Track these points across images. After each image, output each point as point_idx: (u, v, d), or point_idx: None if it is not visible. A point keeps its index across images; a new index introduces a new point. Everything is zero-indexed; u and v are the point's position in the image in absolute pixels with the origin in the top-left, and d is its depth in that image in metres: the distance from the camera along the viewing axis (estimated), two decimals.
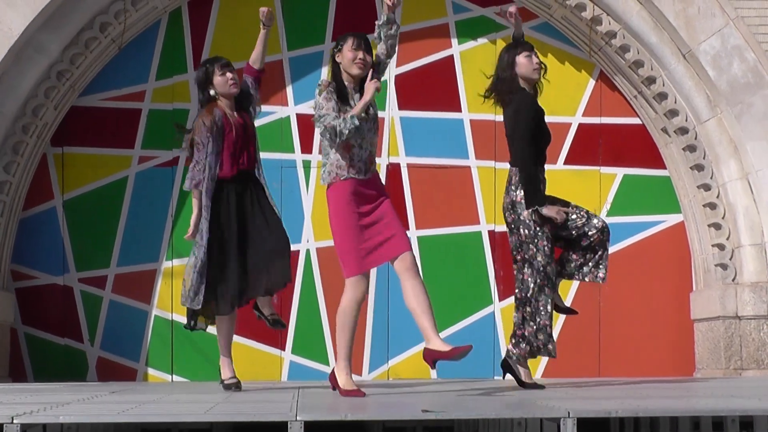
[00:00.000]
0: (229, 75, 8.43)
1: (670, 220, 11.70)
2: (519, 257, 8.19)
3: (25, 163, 10.98)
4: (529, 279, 8.12)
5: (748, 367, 10.87)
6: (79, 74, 11.09)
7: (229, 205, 8.37)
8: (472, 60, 11.59)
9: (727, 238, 11.08)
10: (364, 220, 7.48)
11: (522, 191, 8.12)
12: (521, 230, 8.13)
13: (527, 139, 8.17)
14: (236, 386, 8.56)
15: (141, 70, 11.44)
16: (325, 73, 11.54)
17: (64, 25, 10.83)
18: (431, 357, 7.47)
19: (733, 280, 11.03)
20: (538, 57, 8.34)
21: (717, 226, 11.14)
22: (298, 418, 5.67)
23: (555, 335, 11.25)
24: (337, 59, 7.59)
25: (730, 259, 11.05)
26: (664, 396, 7.17)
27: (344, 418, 5.85)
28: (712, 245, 11.16)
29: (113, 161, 11.40)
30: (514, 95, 8.24)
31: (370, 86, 7.44)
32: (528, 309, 8.13)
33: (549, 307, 8.15)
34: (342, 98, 7.52)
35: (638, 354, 11.49)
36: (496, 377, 11.11)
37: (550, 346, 8.19)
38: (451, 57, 11.65)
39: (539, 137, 8.26)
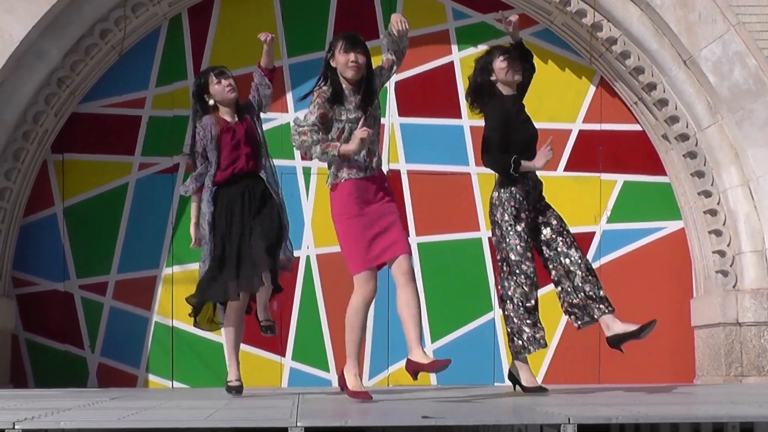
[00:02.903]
0: (224, 82, 8.47)
1: (671, 226, 11.70)
2: (498, 257, 8.37)
3: (26, 170, 10.99)
4: (507, 277, 8.25)
5: (749, 373, 10.86)
6: (80, 81, 11.10)
7: (226, 208, 8.42)
8: (473, 66, 11.58)
9: (728, 245, 11.08)
10: (366, 219, 7.44)
11: (497, 192, 8.30)
12: (495, 230, 8.31)
13: (495, 148, 8.30)
14: (236, 390, 8.56)
15: (141, 76, 11.45)
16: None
17: (64, 31, 10.84)
18: (412, 368, 7.49)
19: (733, 286, 11.02)
20: (507, 56, 8.34)
21: (718, 233, 11.14)
22: (298, 424, 5.67)
23: (555, 341, 11.32)
24: (332, 64, 7.53)
25: (731, 265, 11.05)
26: (665, 402, 7.17)
27: (344, 425, 5.85)
28: (713, 252, 11.16)
29: (113, 168, 11.40)
30: (488, 102, 8.35)
31: (357, 134, 7.33)
32: (509, 306, 8.25)
33: (529, 304, 8.22)
34: (337, 101, 7.47)
35: (638, 360, 11.47)
36: (496, 383, 11.12)
37: (537, 336, 8.25)
38: (452, 63, 11.66)
39: (513, 136, 8.27)
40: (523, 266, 8.20)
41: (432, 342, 11.36)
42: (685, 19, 10.98)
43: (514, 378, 8.44)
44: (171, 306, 11.24)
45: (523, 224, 8.24)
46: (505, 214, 8.22)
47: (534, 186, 8.41)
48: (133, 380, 11.29)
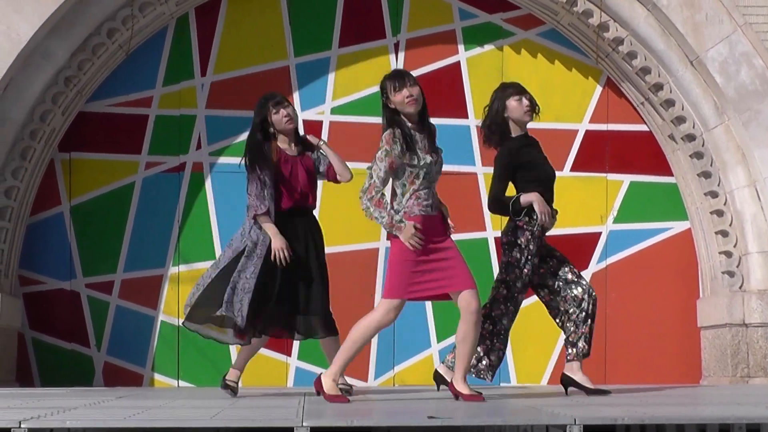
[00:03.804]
0: (283, 112, 8.36)
1: (677, 227, 11.69)
2: (500, 277, 8.28)
3: (33, 169, 11.00)
4: (503, 300, 8.22)
5: (755, 374, 10.85)
6: (87, 80, 11.10)
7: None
8: (479, 66, 11.60)
9: (734, 246, 11.07)
10: (426, 255, 7.45)
11: (528, 217, 8.19)
12: (514, 252, 8.19)
13: (498, 189, 8.32)
14: (233, 390, 8.50)
15: (148, 76, 11.46)
16: (331, 80, 11.56)
17: (71, 31, 10.84)
18: (453, 392, 7.58)
19: (740, 287, 11.02)
20: (529, 97, 8.29)
21: (724, 234, 11.13)
22: (304, 423, 5.67)
23: (561, 341, 11.31)
24: (391, 106, 7.56)
25: (737, 266, 11.04)
26: (671, 403, 7.16)
27: (350, 424, 5.85)
28: (719, 252, 11.15)
29: (120, 167, 11.41)
30: (502, 144, 8.36)
31: (409, 237, 7.40)
32: (491, 327, 8.21)
33: (507, 335, 8.25)
34: (409, 145, 7.51)
35: (644, 361, 11.48)
36: (501, 383, 11.12)
37: (493, 368, 8.22)
38: (458, 63, 11.66)
39: (527, 174, 8.31)
40: (519, 297, 8.24)
41: (438, 342, 11.36)
42: (691, 19, 10.97)
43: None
44: (177, 305, 11.24)
45: (536, 259, 8.25)
46: (531, 243, 8.17)
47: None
48: (139, 379, 11.30)
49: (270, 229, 8.23)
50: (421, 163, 7.51)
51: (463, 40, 11.68)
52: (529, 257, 8.16)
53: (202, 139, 11.45)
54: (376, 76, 11.41)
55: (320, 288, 8.41)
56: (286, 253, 8.25)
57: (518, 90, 8.31)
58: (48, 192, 11.30)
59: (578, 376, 8.39)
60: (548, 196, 8.32)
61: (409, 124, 7.55)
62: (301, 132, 8.73)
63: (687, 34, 10.97)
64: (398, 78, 7.55)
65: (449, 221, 7.67)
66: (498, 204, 8.29)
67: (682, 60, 11.11)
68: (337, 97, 11.56)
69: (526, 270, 8.17)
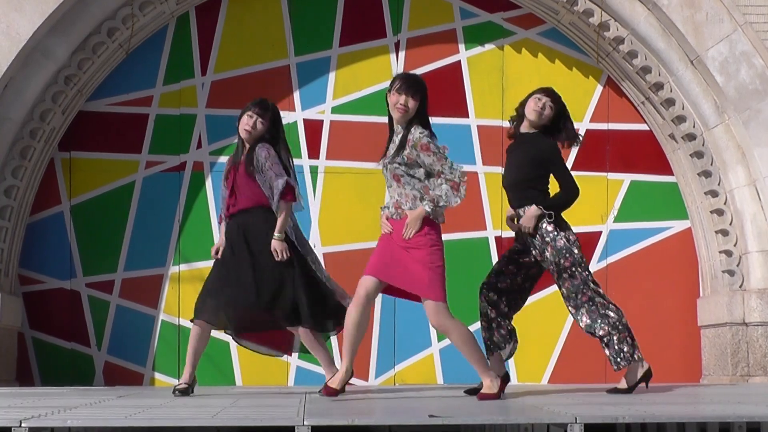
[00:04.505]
0: (245, 119, 8.36)
1: (678, 226, 11.69)
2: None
3: (33, 168, 10.99)
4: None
5: (755, 373, 10.85)
6: (87, 79, 11.10)
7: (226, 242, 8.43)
8: (480, 65, 11.60)
9: (735, 245, 11.07)
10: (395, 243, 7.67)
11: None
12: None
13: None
14: (182, 392, 8.43)
15: (148, 75, 11.46)
16: (332, 79, 11.56)
17: (71, 29, 10.84)
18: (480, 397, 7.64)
19: (740, 286, 11.02)
20: (547, 100, 8.27)
21: (724, 233, 11.13)
22: (305, 422, 5.68)
23: (562, 341, 11.32)
24: (388, 100, 7.66)
25: (738, 265, 11.04)
26: (671, 402, 7.17)
27: (351, 423, 5.85)
28: (720, 252, 11.15)
29: (120, 166, 11.41)
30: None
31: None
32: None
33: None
34: (388, 144, 7.65)
35: (645, 359, 11.46)
36: None
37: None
38: (459, 63, 11.66)
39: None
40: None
41: (439, 341, 11.36)
42: (692, 18, 10.97)
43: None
44: (177, 304, 11.25)
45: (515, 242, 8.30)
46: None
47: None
48: (140, 378, 11.30)
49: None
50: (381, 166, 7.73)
51: (463, 40, 11.68)
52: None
53: (203, 139, 11.45)
54: (377, 76, 11.49)
55: (263, 283, 8.33)
56: (215, 256, 8.43)
57: (544, 90, 8.33)
58: (48, 191, 11.30)
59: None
60: (510, 200, 8.36)
61: (395, 126, 7.66)
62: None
63: (687, 34, 10.97)
64: (403, 83, 7.59)
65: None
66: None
67: (683, 59, 11.11)
68: (337, 96, 11.56)
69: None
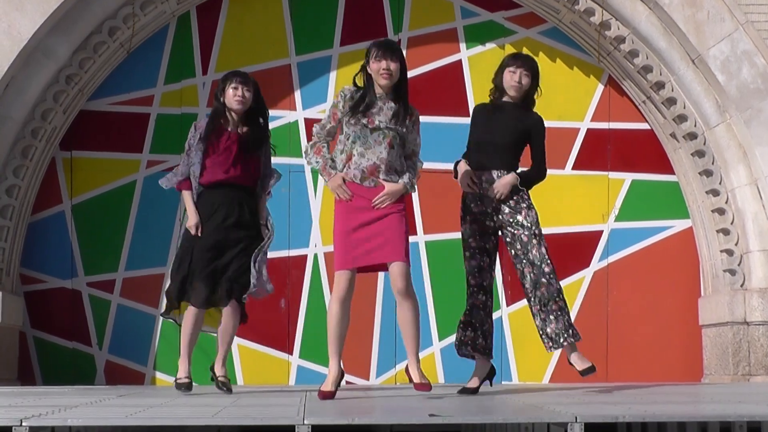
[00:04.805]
0: (231, 92, 8.39)
1: (679, 225, 11.69)
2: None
3: (34, 167, 11.00)
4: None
5: (756, 372, 10.85)
6: (88, 78, 11.11)
7: (207, 212, 8.38)
8: (481, 65, 11.59)
9: (736, 244, 11.07)
10: (356, 222, 7.52)
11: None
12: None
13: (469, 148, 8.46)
14: (186, 387, 8.47)
15: (149, 74, 11.46)
16: (333, 78, 11.56)
17: (72, 29, 10.84)
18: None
19: (741, 285, 11.01)
20: (527, 74, 8.25)
21: (725, 232, 11.12)
22: (305, 421, 5.67)
23: None
24: (369, 71, 7.62)
25: (739, 264, 11.04)
26: (672, 401, 7.16)
27: (352, 422, 5.85)
28: (721, 251, 11.15)
29: (122, 165, 11.42)
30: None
31: (337, 188, 7.61)
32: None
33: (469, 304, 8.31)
34: (364, 106, 7.56)
35: (646, 359, 11.48)
36: (503, 381, 11.12)
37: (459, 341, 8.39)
38: (459, 62, 11.66)
39: (470, 136, 8.44)
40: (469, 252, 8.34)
41: (440, 340, 11.36)
42: (693, 17, 10.97)
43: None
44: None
45: (471, 225, 8.28)
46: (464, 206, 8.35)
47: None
48: (141, 377, 11.31)
49: (189, 204, 8.48)
50: (358, 126, 7.55)
51: (464, 39, 11.68)
52: (463, 214, 8.29)
53: None
54: None
55: (239, 257, 8.32)
56: (193, 231, 8.38)
57: (518, 61, 8.30)
58: (49, 190, 11.30)
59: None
60: (476, 158, 8.30)
61: (378, 92, 7.59)
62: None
63: (688, 33, 10.97)
64: (383, 49, 7.59)
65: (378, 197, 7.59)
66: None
67: (684, 58, 11.11)
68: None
69: (463, 225, 8.28)
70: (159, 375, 11.31)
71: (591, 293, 11.44)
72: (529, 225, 8.11)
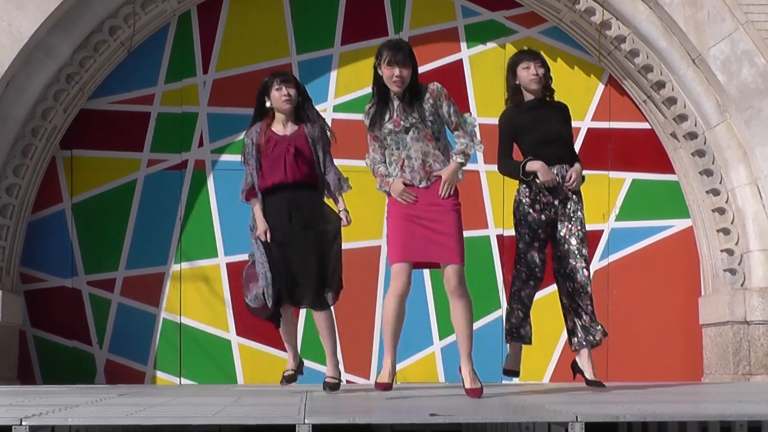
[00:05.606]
0: (284, 90, 8.33)
1: (679, 224, 11.69)
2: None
3: (34, 166, 11.00)
4: (516, 265, 8.40)
5: (757, 372, 10.85)
6: (89, 77, 11.10)
7: (272, 217, 8.31)
8: (482, 64, 11.60)
9: (736, 243, 11.07)
10: (415, 218, 7.50)
11: (521, 189, 8.41)
12: (513, 217, 8.44)
13: (501, 155, 8.55)
14: (287, 380, 8.52)
15: (150, 73, 11.46)
16: (334, 77, 11.56)
17: (73, 28, 10.84)
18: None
19: (741, 285, 11.02)
20: (540, 65, 8.42)
21: (726, 231, 11.13)
22: (306, 421, 5.67)
23: (563, 339, 11.29)
24: (380, 72, 7.61)
25: (739, 264, 11.04)
26: (672, 401, 7.16)
27: (352, 422, 5.85)
28: (721, 250, 11.15)
29: (122, 164, 11.41)
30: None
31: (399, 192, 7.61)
32: (509, 291, 8.47)
33: (523, 294, 8.37)
34: (380, 115, 7.63)
35: (646, 359, 11.48)
36: (504, 381, 11.11)
37: (522, 332, 8.50)
38: (460, 61, 11.66)
39: (522, 138, 8.46)
40: (528, 255, 8.39)
41: (440, 339, 11.36)
42: (693, 17, 10.97)
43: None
44: (179, 302, 11.25)
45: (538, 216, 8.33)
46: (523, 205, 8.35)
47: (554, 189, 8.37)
48: (141, 377, 11.30)
49: (257, 213, 8.36)
50: (389, 134, 7.61)
51: (465, 38, 11.68)
52: (521, 218, 8.33)
53: (204, 137, 11.46)
54: None
55: (312, 261, 8.28)
56: (263, 238, 8.28)
57: (528, 57, 8.44)
58: (49, 189, 11.30)
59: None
60: (549, 153, 8.35)
61: (392, 94, 7.62)
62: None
63: (689, 32, 10.97)
64: (394, 53, 7.54)
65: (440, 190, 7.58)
66: (504, 167, 8.54)
67: (684, 58, 11.11)
68: (339, 95, 11.56)
69: (521, 230, 8.35)
70: (159, 374, 11.31)
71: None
72: (583, 223, 8.35)
